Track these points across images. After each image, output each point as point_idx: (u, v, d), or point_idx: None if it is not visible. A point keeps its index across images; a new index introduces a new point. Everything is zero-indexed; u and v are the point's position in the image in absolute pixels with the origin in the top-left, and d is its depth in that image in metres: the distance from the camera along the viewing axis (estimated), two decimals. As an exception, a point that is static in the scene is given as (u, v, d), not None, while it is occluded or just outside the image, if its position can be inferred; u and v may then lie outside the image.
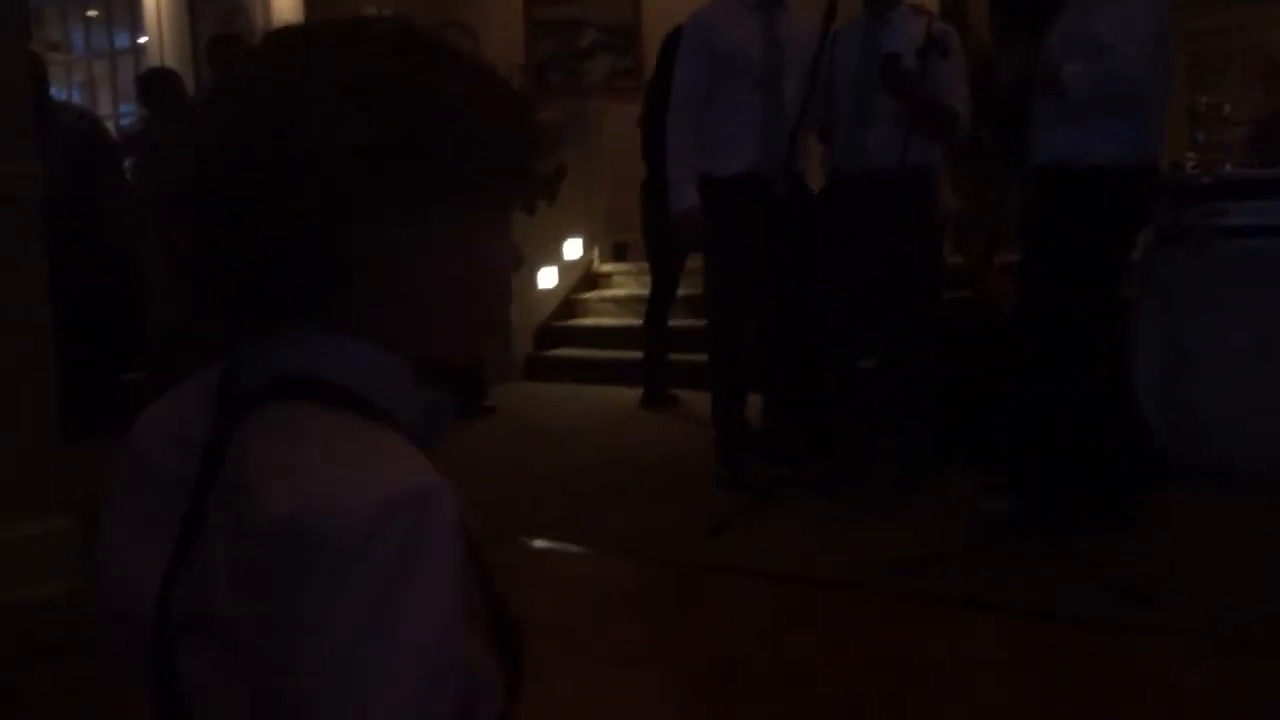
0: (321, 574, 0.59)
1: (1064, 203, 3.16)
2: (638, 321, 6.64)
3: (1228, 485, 3.55)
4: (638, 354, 6.28)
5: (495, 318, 0.79)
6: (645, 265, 7.01)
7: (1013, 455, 3.53)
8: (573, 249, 7.06)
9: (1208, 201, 3.76)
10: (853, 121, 3.56)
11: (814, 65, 3.40)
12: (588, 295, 7.06)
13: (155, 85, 5.21)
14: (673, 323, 6.09)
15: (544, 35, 8.46)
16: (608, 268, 7.25)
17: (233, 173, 0.67)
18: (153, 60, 7.19)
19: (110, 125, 6.62)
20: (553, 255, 6.88)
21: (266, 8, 7.34)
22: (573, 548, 3.44)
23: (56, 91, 6.71)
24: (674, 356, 5.84)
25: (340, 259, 0.68)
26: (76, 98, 7.73)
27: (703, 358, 4.18)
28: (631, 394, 5.90)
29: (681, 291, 6.29)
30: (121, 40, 8.10)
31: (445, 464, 0.66)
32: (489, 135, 0.72)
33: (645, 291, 6.88)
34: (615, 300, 6.96)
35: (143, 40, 7.68)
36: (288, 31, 0.74)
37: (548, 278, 6.79)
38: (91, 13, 8.17)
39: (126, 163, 1.68)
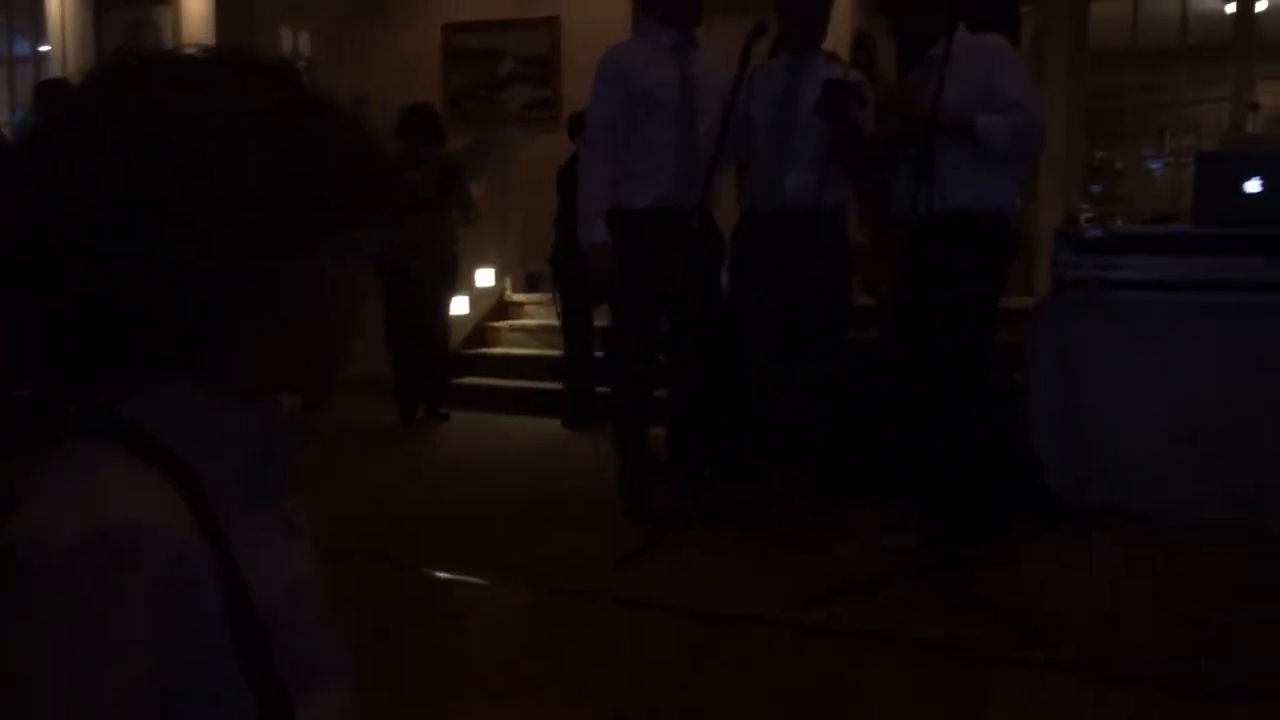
0: (15, 594, 0.61)
1: (960, 248, 3.28)
2: (549, 351, 6.66)
3: (1118, 524, 3.68)
4: (549, 383, 6.29)
5: (349, 350, 0.80)
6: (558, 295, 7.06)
7: (914, 491, 3.62)
8: (485, 277, 7.03)
9: (1100, 255, 3.92)
10: (770, 161, 3.62)
11: (729, 104, 3.45)
12: (499, 324, 7.03)
13: (51, 95, 5.09)
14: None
15: (461, 64, 8.45)
16: (520, 297, 7.23)
17: (89, 226, 0.66)
18: (54, 70, 6.99)
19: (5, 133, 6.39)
20: (465, 283, 6.83)
21: (176, 22, 7.21)
22: (477, 579, 3.40)
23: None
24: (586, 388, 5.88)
25: (198, 303, 0.68)
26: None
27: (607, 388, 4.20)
28: (542, 423, 5.88)
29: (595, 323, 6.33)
30: (22, 48, 7.85)
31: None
32: (353, 179, 0.73)
33: (557, 322, 6.90)
34: (526, 329, 6.95)
35: (45, 49, 7.46)
36: (134, 68, 0.72)
37: (459, 306, 6.73)
38: (-10, 18, 7.93)
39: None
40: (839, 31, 7.67)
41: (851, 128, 3.46)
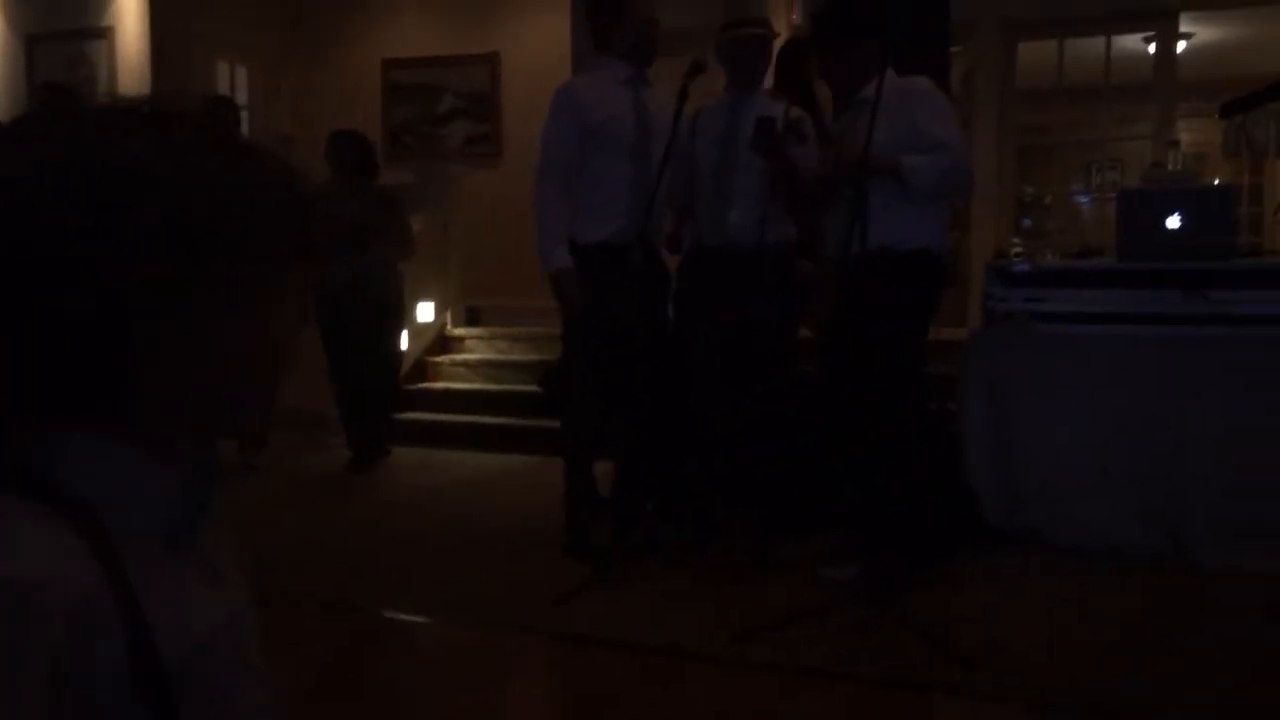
0: None
1: (888, 284, 3.35)
2: (491, 386, 6.65)
3: (1050, 554, 3.75)
4: (490, 418, 6.27)
5: (273, 393, 0.79)
6: (498, 329, 7.06)
7: (852, 523, 3.66)
8: (425, 312, 7.01)
9: (1028, 288, 4.02)
10: (715, 198, 3.68)
11: (670, 141, 3.50)
12: (440, 359, 7.00)
13: None
14: (531, 388, 6.11)
15: (402, 100, 8.46)
16: (461, 331, 7.20)
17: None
18: (-16, 103, 6.87)
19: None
20: (405, 318, 6.80)
21: (111, 56, 7.13)
22: (418, 617, 3.37)
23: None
24: (528, 422, 5.87)
25: (106, 355, 0.68)
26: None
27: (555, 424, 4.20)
28: (484, 458, 5.86)
29: (534, 357, 6.34)
30: (-49, 80, 7.70)
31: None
32: (265, 221, 0.73)
33: (499, 356, 6.90)
34: (468, 364, 6.92)
35: (-25, 82, 7.34)
36: (47, 118, 0.73)
37: (399, 340, 6.69)
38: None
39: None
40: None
41: (787, 165, 3.52)
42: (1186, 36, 8.15)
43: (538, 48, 7.72)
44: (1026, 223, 9.87)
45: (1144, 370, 3.84)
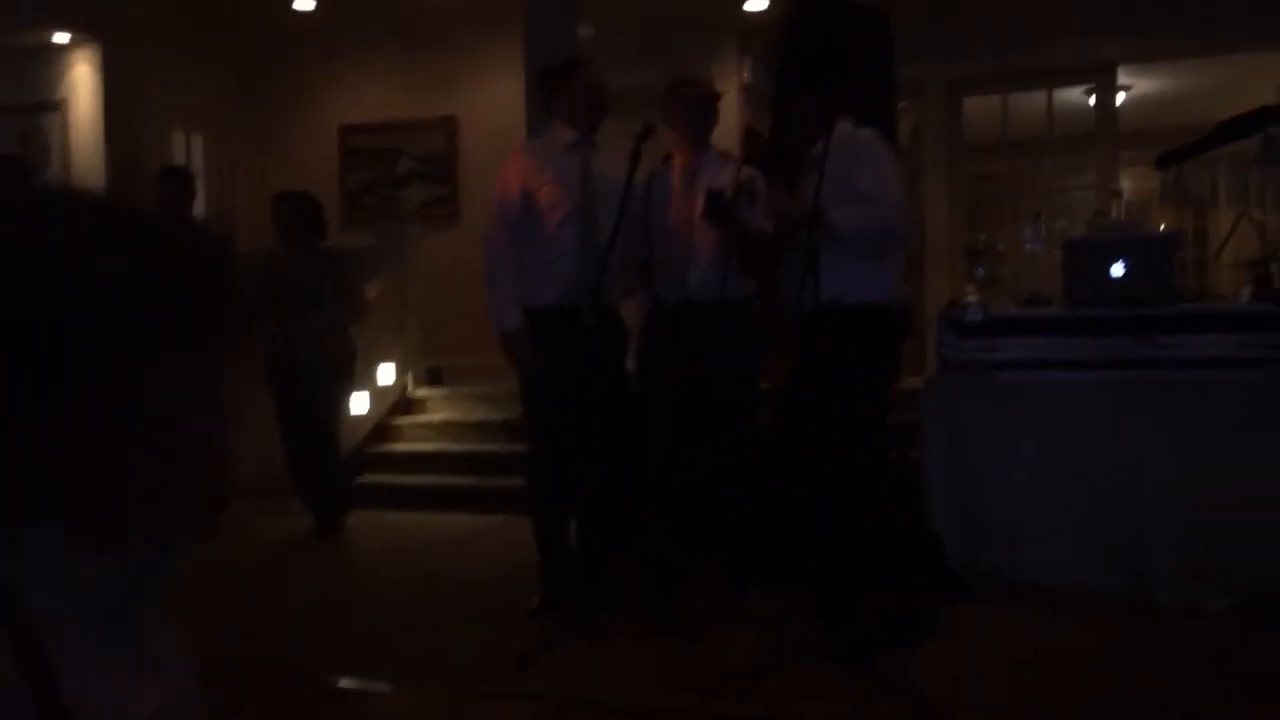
0: None
1: (839, 338, 3.40)
2: (453, 446, 6.62)
3: (1014, 597, 3.78)
4: (453, 479, 6.23)
5: (198, 488, 0.75)
6: (460, 389, 7.04)
7: (814, 575, 3.67)
8: (386, 374, 6.99)
9: (981, 337, 4.09)
10: (674, 258, 3.73)
11: (623, 203, 3.55)
12: (401, 420, 6.97)
13: None
14: (494, 448, 6.10)
15: (359, 164, 8.50)
16: (422, 392, 7.19)
17: None
18: (-65, 176, 6.81)
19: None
20: (365, 381, 6.77)
21: (64, 129, 7.13)
22: (378, 684, 3.33)
23: None
24: (492, 482, 5.85)
25: (19, 450, 0.67)
26: None
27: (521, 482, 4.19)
28: (447, 519, 5.81)
29: (496, 416, 6.33)
30: (-99, 154, 7.64)
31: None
32: (184, 297, 0.71)
33: (461, 416, 6.88)
34: (430, 425, 6.90)
35: (-75, 155, 7.28)
36: None
37: (359, 403, 6.66)
38: None
39: None
40: (727, 127, 7.96)
41: (739, 230, 3.58)
42: (1125, 89, 8.39)
43: (494, 111, 7.80)
44: (980, 271, 10.02)
45: (1098, 414, 3.91)
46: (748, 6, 7.49)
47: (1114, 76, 7.84)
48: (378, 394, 6.88)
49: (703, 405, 3.71)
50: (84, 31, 7.07)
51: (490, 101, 7.93)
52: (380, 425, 6.86)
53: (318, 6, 7.60)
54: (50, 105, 7.20)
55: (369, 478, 6.46)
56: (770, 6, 7.31)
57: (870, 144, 3.53)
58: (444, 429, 6.80)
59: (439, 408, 7.04)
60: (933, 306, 7.15)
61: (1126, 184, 8.82)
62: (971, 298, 5.73)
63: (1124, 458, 3.83)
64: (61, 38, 7.11)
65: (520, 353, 3.73)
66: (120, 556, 0.74)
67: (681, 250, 3.72)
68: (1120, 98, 8.16)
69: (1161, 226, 9.09)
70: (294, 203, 5.54)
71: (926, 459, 4.10)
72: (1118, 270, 3.94)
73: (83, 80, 7.19)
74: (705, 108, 3.82)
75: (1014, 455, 3.99)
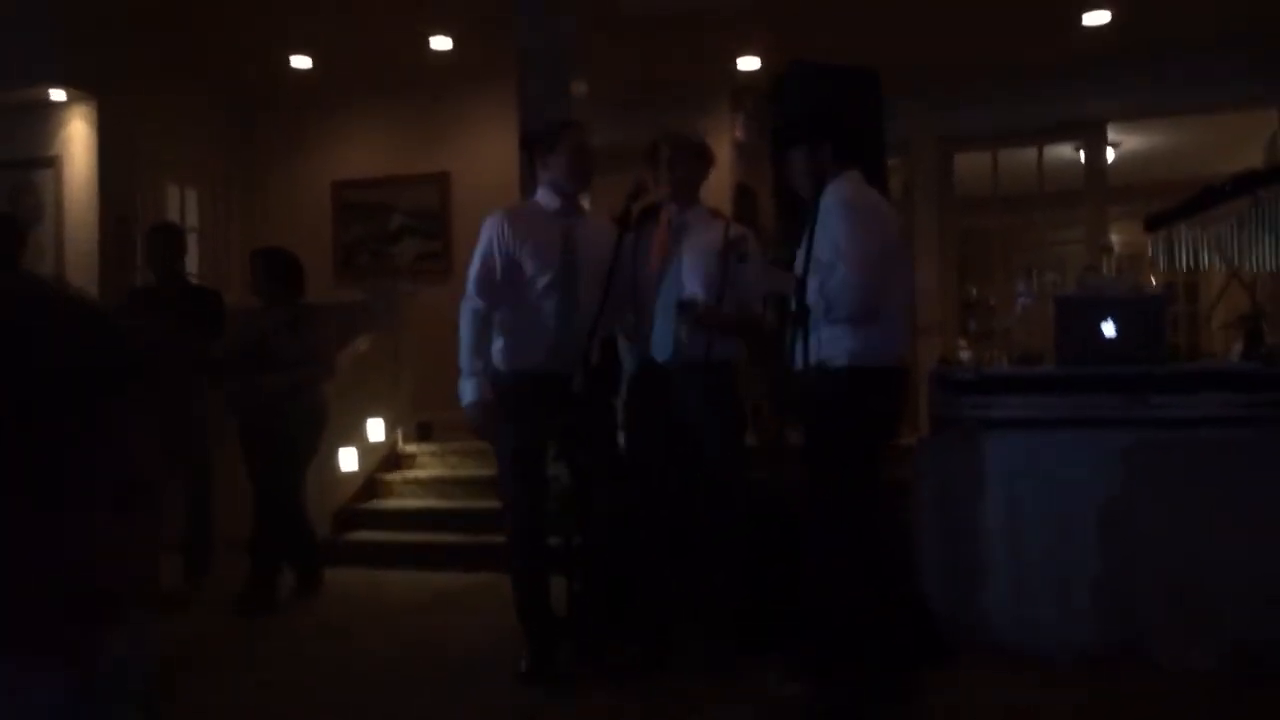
0: None
1: (822, 398, 3.38)
2: (443, 503, 6.56)
3: (1005, 661, 3.72)
4: (442, 536, 6.17)
5: (103, 583, 0.69)
6: (450, 445, 6.99)
7: (803, 638, 3.61)
8: (376, 429, 6.94)
9: (972, 395, 4.07)
10: (661, 317, 3.70)
11: (610, 271, 3.54)
12: (391, 476, 6.91)
13: None
14: (484, 504, 6.01)
15: (352, 219, 8.55)
16: (412, 448, 7.14)
17: None
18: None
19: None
20: (354, 436, 6.74)
21: (58, 184, 7.15)
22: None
23: None
24: (481, 539, 5.77)
25: None
26: None
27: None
28: (438, 578, 5.74)
29: (486, 472, 6.27)
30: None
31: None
32: (66, 373, 0.67)
33: (450, 472, 6.83)
34: (419, 481, 6.84)
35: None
36: None
37: (348, 459, 6.62)
38: None
39: None
40: (720, 183, 8.01)
41: (716, 326, 3.56)
42: (1115, 145, 8.47)
43: (486, 167, 7.85)
44: (972, 325, 10.04)
45: (1090, 473, 3.87)
46: (740, 65, 7.57)
47: (1103, 133, 7.92)
48: (367, 449, 6.83)
49: (690, 464, 3.67)
50: (80, 89, 7.12)
51: (483, 157, 7.99)
52: (370, 481, 6.81)
53: (314, 63, 7.66)
54: (44, 161, 7.23)
55: (358, 535, 6.40)
56: (763, 65, 7.38)
57: (840, 201, 3.43)
58: (433, 485, 6.75)
59: (429, 464, 6.99)
60: (925, 360, 7.14)
61: (1117, 238, 8.88)
62: (964, 352, 5.74)
63: (1116, 517, 3.80)
64: (58, 95, 7.17)
65: (482, 427, 3.69)
66: (72, 669, 0.70)
67: (668, 310, 3.69)
68: (1110, 154, 8.24)
69: (1153, 280, 9.15)
70: (268, 259, 5.43)
71: (918, 519, 4.06)
72: (1109, 329, 3.93)
73: (78, 136, 7.23)
74: (689, 164, 3.79)
75: (1006, 514, 3.95)
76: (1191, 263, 3.99)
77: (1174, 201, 4.26)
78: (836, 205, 3.40)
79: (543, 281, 3.71)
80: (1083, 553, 3.83)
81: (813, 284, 3.32)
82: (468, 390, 3.68)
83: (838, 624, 3.40)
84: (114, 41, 6.98)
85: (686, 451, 3.67)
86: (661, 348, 3.67)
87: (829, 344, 3.38)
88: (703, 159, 3.86)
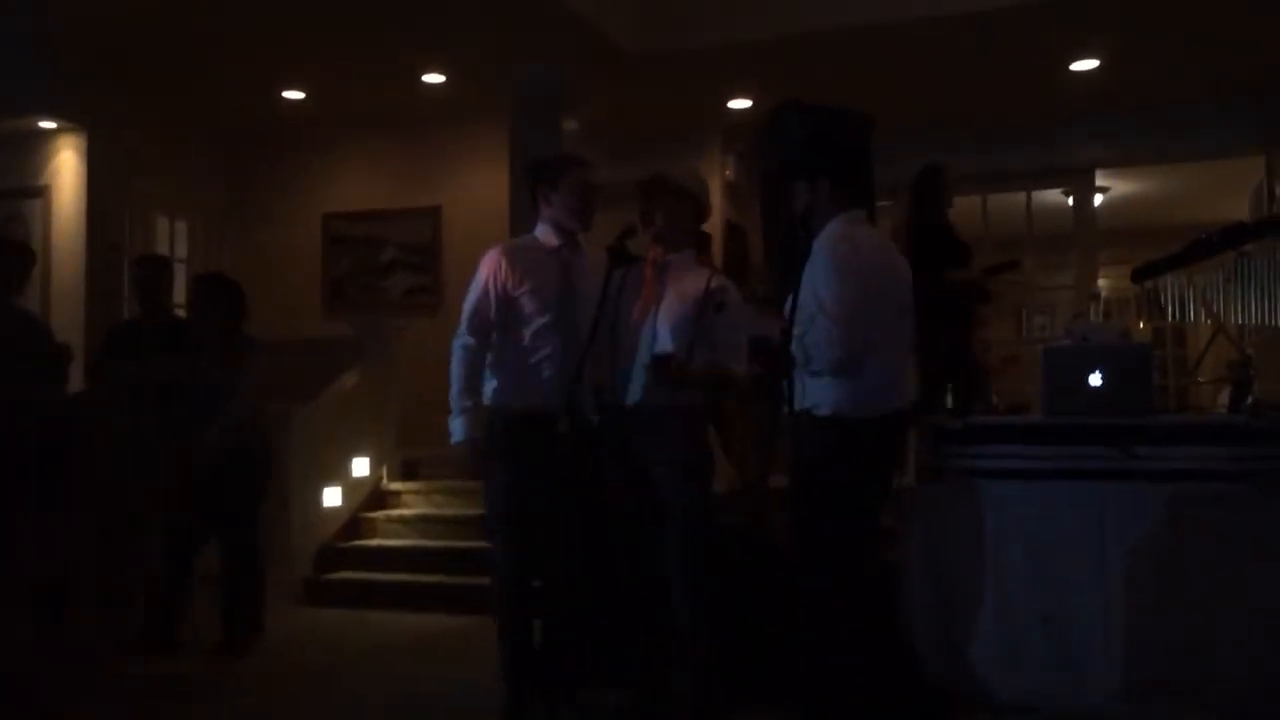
0: None
1: (807, 445, 3.36)
2: (427, 542, 6.51)
3: (995, 714, 3.67)
4: (427, 576, 6.11)
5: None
6: (436, 483, 6.94)
7: (796, 689, 3.56)
8: (360, 466, 6.89)
9: (962, 443, 4.05)
10: (637, 360, 3.66)
11: (598, 312, 3.51)
12: (375, 514, 6.85)
13: None
14: (469, 544, 5.94)
15: (343, 252, 8.54)
16: (397, 486, 7.09)
17: None
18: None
19: None
20: (338, 473, 6.69)
21: (46, 215, 7.14)
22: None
23: None
24: (466, 580, 5.71)
25: None
26: None
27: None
28: (422, 619, 5.67)
29: (472, 511, 6.22)
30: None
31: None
32: None
33: (436, 511, 6.77)
34: (404, 520, 6.79)
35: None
36: None
37: (332, 497, 6.57)
38: None
39: None
40: (711, 222, 8.01)
41: (690, 385, 3.53)
42: (1103, 190, 8.52)
43: (478, 201, 7.86)
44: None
45: (1077, 525, 3.84)
46: (731, 104, 7.61)
47: (1092, 179, 7.97)
48: (352, 486, 6.78)
49: (660, 510, 3.62)
50: (70, 119, 7.12)
51: (475, 192, 8.00)
52: (353, 519, 6.75)
53: (306, 95, 7.67)
54: (33, 191, 7.22)
55: (340, 574, 6.34)
56: (755, 106, 7.42)
57: (821, 248, 3.35)
58: (418, 524, 6.70)
59: (414, 502, 6.94)
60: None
61: (1105, 283, 8.91)
62: (952, 393, 5.74)
63: (1103, 570, 3.76)
64: (47, 124, 7.16)
65: (472, 466, 3.66)
66: None
67: (641, 352, 3.64)
68: (1098, 199, 8.28)
69: (1141, 325, 9.17)
70: (204, 287, 5.22)
71: (905, 568, 4.03)
72: (1095, 379, 3.91)
73: (67, 166, 7.21)
74: (676, 207, 3.74)
75: (994, 565, 3.91)
76: (1178, 315, 3.98)
77: (1162, 248, 4.27)
78: (821, 253, 3.35)
79: (540, 321, 3.67)
80: (1071, 605, 3.79)
81: (796, 332, 3.30)
82: (457, 428, 3.65)
83: (827, 674, 3.36)
84: (104, 73, 7.00)
85: (653, 495, 3.63)
86: (633, 391, 3.64)
87: (815, 392, 3.35)
88: (692, 203, 3.79)
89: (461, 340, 3.72)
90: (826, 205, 3.43)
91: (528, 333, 3.67)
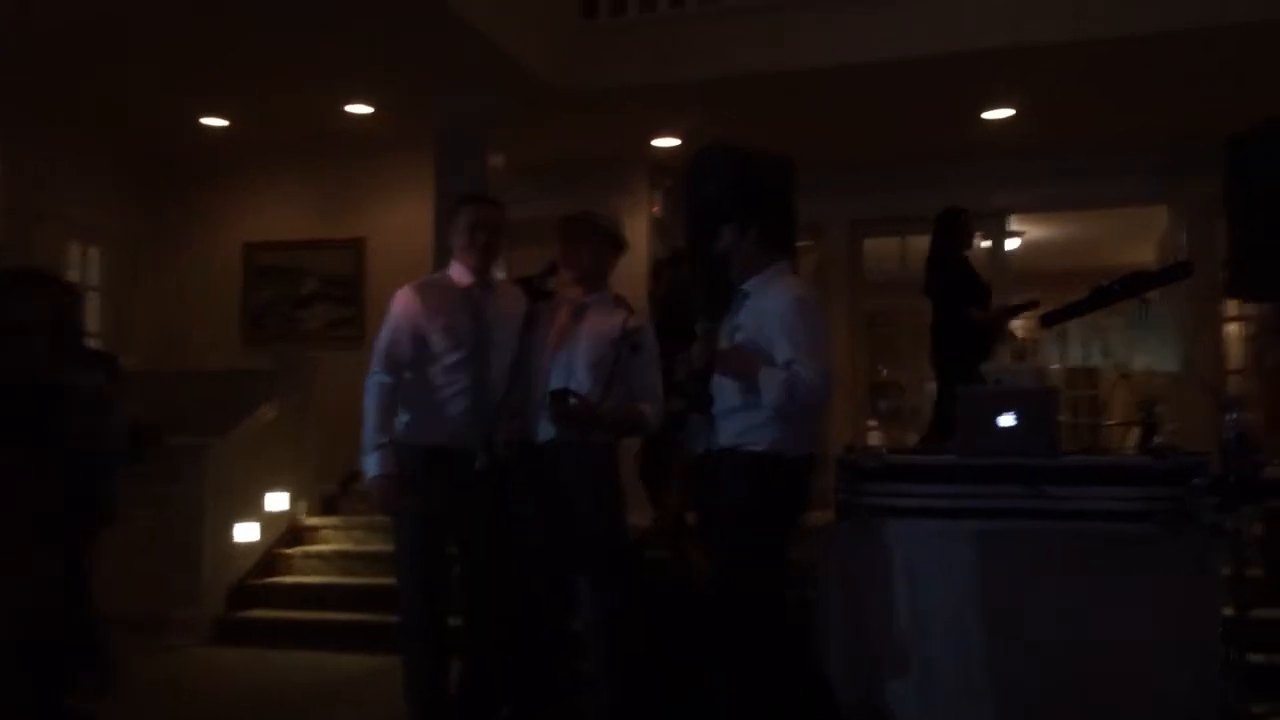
0: None
1: (741, 483, 3.39)
2: (346, 579, 6.38)
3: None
4: (346, 614, 5.99)
5: None
6: (355, 519, 6.82)
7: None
8: (277, 501, 6.75)
9: (879, 482, 4.10)
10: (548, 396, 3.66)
11: (522, 342, 3.52)
12: (291, 551, 6.71)
13: None
14: (389, 581, 5.82)
15: (264, 281, 8.40)
16: (316, 521, 6.95)
17: None
18: None
19: None
20: (254, 508, 6.54)
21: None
22: None
23: None
24: (386, 619, 5.61)
25: None
26: None
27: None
28: (341, 659, 5.54)
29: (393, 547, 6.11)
30: None
31: None
32: None
33: (355, 547, 6.65)
34: (322, 556, 6.66)
35: None
36: None
37: (247, 532, 6.42)
38: None
39: None
40: (638, 257, 8.08)
41: (591, 427, 3.54)
42: (1017, 234, 8.78)
43: (403, 233, 7.80)
44: (883, 405, 10.22)
45: (990, 564, 3.92)
46: (657, 142, 7.68)
47: (1004, 223, 8.20)
48: (267, 522, 6.63)
49: (572, 547, 3.61)
50: (-23, 143, 6.93)
51: (400, 223, 7.94)
52: (269, 555, 6.60)
53: (229, 123, 7.56)
54: (-61, 216, 7.00)
55: (254, 612, 6.19)
56: (681, 144, 7.50)
57: (786, 302, 3.46)
58: (337, 560, 6.58)
59: (333, 538, 6.81)
60: (836, 441, 7.22)
61: (1020, 323, 9.15)
62: (874, 432, 5.83)
63: (1013, 608, 3.84)
64: (-44, 149, 6.96)
65: (386, 502, 3.62)
66: None
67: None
68: (1012, 243, 8.52)
69: (1055, 365, 9.43)
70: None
71: (822, 605, 4.06)
72: (1006, 420, 4.01)
73: (-26, 192, 7.01)
74: (590, 244, 3.77)
75: (908, 603, 3.97)
76: (1083, 359, 4.11)
77: (1073, 291, 4.41)
78: (793, 305, 3.44)
79: (453, 358, 3.67)
80: (982, 643, 3.86)
81: (765, 374, 3.34)
82: (372, 464, 3.62)
83: (747, 707, 3.37)
84: (12, 96, 6.82)
85: (566, 532, 3.63)
86: (544, 429, 3.64)
87: (749, 430, 3.41)
88: (610, 244, 3.84)
89: (376, 377, 3.70)
90: (756, 253, 3.53)
91: (439, 369, 3.67)
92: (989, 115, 6.96)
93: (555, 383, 3.62)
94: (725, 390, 3.44)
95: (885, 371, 10.61)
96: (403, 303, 3.75)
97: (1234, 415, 3.65)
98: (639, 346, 3.61)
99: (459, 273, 3.80)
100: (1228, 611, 3.72)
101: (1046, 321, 4.19)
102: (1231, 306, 7.70)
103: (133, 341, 7.85)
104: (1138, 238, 9.25)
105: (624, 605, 3.65)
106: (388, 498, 3.62)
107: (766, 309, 3.47)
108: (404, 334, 3.69)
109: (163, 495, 5.97)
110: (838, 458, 4.42)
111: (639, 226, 8.08)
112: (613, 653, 3.62)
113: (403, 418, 3.69)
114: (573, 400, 3.47)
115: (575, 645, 3.76)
